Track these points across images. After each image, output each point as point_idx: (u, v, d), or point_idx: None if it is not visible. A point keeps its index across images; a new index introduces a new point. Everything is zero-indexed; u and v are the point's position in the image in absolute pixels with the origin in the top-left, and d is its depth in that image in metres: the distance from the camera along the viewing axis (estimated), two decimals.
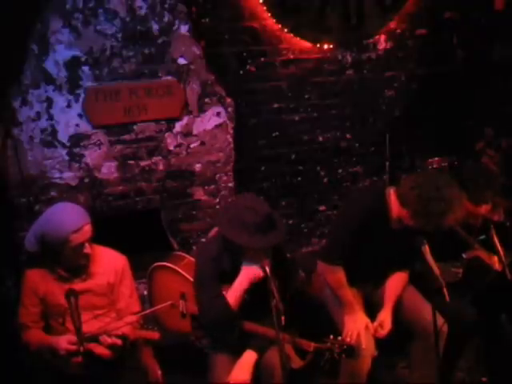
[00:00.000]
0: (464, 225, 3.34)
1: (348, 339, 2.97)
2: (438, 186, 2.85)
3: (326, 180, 4.91)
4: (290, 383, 2.67)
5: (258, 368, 2.91)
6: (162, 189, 4.14)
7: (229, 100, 4.21)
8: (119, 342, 2.80)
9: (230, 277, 2.93)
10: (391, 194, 3.05)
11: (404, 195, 2.95)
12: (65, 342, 2.74)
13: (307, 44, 4.55)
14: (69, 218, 2.79)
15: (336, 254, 3.10)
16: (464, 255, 3.44)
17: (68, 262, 2.86)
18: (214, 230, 3.15)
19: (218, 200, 4.29)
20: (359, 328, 3.06)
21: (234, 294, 2.84)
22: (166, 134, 4.08)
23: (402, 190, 2.98)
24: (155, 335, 3.05)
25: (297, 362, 2.96)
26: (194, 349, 2.95)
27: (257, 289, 2.91)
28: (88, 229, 2.82)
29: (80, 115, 3.82)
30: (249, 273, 2.81)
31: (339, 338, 2.85)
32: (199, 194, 4.26)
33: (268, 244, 2.74)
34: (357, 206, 3.16)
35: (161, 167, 4.11)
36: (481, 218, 3.41)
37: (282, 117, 4.63)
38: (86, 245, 2.83)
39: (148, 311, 3.09)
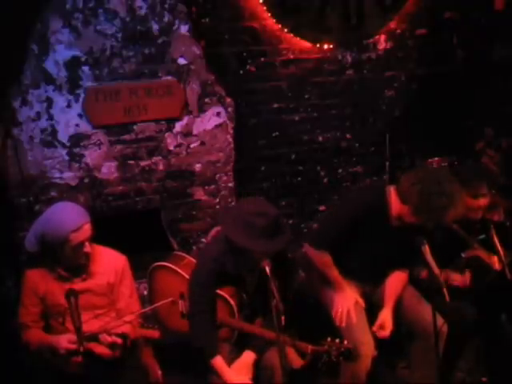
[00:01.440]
0: (464, 223, 3.33)
1: (338, 318, 2.98)
2: (438, 180, 2.85)
3: (325, 180, 4.91)
4: (290, 383, 2.67)
5: (257, 368, 2.91)
6: (162, 189, 4.14)
7: (229, 100, 4.20)
8: (119, 340, 2.81)
9: (231, 278, 2.92)
10: (391, 191, 3.03)
11: (405, 191, 2.93)
12: (65, 341, 2.74)
13: (307, 44, 4.54)
14: (68, 218, 2.80)
15: (325, 244, 3.09)
16: (463, 255, 3.44)
17: (68, 261, 2.86)
18: (215, 230, 3.15)
19: (217, 200, 4.28)
20: (349, 305, 3.07)
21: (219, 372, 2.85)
22: (166, 134, 4.07)
23: (402, 187, 2.96)
24: (155, 334, 3.06)
25: (297, 362, 2.96)
26: (194, 349, 2.94)
27: (257, 289, 2.91)
28: (88, 228, 2.83)
29: (80, 115, 3.82)
30: None
31: (337, 340, 2.84)
32: (199, 193, 4.25)
33: (274, 248, 2.73)
34: (356, 203, 3.15)
35: (161, 167, 4.11)
36: (480, 214, 3.38)
37: (282, 117, 4.63)
38: (86, 244, 2.83)
39: (149, 308, 3.09)
